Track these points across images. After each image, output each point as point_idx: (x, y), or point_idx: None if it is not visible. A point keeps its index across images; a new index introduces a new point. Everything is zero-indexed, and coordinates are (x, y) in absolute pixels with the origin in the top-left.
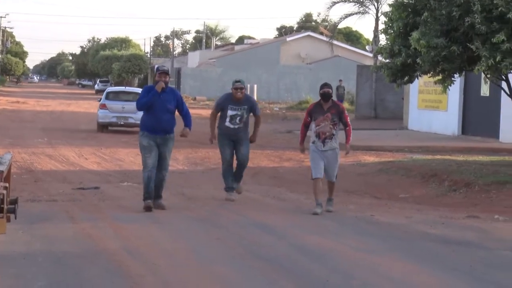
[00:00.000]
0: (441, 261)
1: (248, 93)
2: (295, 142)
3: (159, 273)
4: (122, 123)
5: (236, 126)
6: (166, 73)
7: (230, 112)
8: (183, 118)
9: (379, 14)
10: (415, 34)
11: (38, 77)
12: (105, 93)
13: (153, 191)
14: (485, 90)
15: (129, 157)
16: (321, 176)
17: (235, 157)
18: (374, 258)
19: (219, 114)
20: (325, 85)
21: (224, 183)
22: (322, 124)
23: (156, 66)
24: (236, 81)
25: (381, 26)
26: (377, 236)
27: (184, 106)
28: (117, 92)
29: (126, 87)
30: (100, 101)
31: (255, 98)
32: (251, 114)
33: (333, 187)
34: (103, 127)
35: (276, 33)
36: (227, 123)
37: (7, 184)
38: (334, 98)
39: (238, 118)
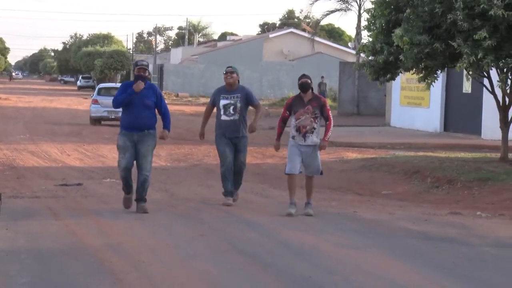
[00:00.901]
0: (423, 257)
1: None
2: None
3: (142, 269)
4: (113, 117)
5: (232, 118)
6: (145, 68)
7: (222, 102)
8: (162, 118)
9: (361, 11)
10: (398, 31)
11: (22, 74)
12: (97, 89)
13: (132, 186)
14: (467, 87)
15: (112, 153)
16: (296, 172)
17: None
18: (357, 254)
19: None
20: (304, 76)
21: (222, 187)
22: (303, 117)
23: (135, 61)
24: (228, 67)
25: (364, 23)
26: (359, 233)
27: (163, 103)
28: (108, 88)
29: (117, 83)
30: (92, 96)
31: None
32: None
33: (311, 187)
34: (96, 121)
35: (258, 29)
36: (222, 117)
37: None
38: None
39: (231, 108)
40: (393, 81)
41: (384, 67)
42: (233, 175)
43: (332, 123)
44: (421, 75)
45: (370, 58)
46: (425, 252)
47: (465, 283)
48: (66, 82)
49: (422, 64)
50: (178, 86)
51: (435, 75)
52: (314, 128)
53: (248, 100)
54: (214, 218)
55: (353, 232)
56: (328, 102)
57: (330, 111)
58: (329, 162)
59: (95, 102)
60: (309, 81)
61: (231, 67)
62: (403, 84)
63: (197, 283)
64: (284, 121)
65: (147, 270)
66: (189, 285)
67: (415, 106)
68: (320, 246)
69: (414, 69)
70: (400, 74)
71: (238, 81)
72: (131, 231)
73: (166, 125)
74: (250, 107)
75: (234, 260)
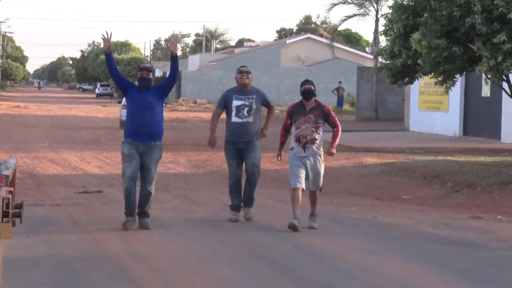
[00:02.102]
0: (444, 261)
1: None
2: None
3: (162, 276)
4: None
5: (245, 120)
6: (149, 69)
7: (235, 102)
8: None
9: (379, 16)
10: (416, 35)
11: (42, 82)
12: None
13: (135, 204)
14: (486, 90)
15: None
16: (301, 186)
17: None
18: (377, 259)
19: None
20: (306, 82)
21: (230, 200)
22: (303, 126)
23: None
24: (242, 66)
25: (381, 28)
26: (380, 237)
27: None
28: None
29: None
30: (121, 102)
31: None
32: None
33: (315, 200)
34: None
35: (276, 35)
36: (234, 118)
37: (12, 189)
38: (334, 99)
39: (246, 110)
40: (411, 86)
41: (402, 71)
42: (245, 183)
43: (340, 129)
44: (440, 79)
45: (388, 61)
46: (446, 256)
47: (482, 286)
48: (84, 90)
49: (441, 68)
50: (196, 92)
51: (454, 79)
52: (315, 139)
53: (264, 101)
54: (233, 224)
55: (373, 237)
56: (346, 107)
57: (336, 118)
58: (348, 167)
59: (124, 107)
60: (313, 87)
61: (245, 66)
62: (421, 88)
63: None
64: (286, 129)
65: (166, 276)
66: None
67: (434, 110)
68: (340, 251)
69: (433, 73)
70: (418, 78)
71: None
72: (151, 238)
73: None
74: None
75: (253, 266)
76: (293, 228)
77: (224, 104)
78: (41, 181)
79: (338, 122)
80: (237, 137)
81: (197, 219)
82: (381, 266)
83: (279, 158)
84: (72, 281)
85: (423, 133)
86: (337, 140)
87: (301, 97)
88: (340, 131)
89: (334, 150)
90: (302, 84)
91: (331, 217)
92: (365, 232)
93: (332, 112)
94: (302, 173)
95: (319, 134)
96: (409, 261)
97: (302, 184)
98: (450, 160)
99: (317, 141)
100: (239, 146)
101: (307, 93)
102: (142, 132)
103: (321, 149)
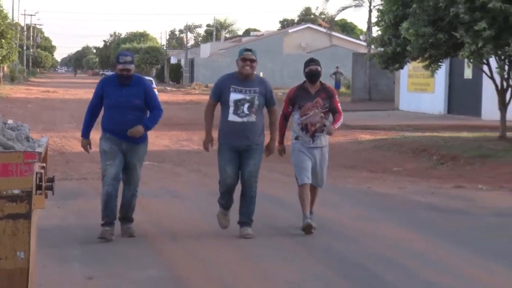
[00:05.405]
0: (432, 226)
1: None
2: None
3: (181, 241)
4: None
5: (245, 119)
6: (130, 62)
7: (233, 96)
8: (150, 113)
9: (371, 7)
10: (404, 24)
11: (67, 69)
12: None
13: (115, 212)
14: (468, 73)
15: (151, 138)
16: (309, 182)
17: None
18: (372, 226)
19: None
20: (312, 62)
21: (218, 203)
22: (311, 112)
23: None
24: (246, 49)
25: (374, 19)
26: (374, 206)
27: (155, 98)
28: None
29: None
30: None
31: None
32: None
33: (316, 197)
34: None
35: (279, 25)
36: (231, 116)
37: (44, 164)
38: (332, 83)
39: (246, 106)
40: (401, 70)
41: (393, 57)
42: (241, 196)
43: (341, 116)
44: (426, 63)
45: (379, 49)
46: (433, 222)
47: (467, 248)
48: None
49: (427, 53)
50: (207, 77)
51: (439, 63)
52: (325, 126)
53: (268, 97)
54: None
55: (368, 206)
56: (343, 89)
57: (339, 104)
58: (345, 143)
59: None
60: (320, 68)
61: (250, 51)
62: (410, 72)
63: (233, 255)
64: (286, 119)
65: (185, 242)
66: (224, 257)
67: (422, 91)
68: (339, 219)
69: (420, 58)
70: (407, 63)
71: None
72: (169, 208)
73: (149, 121)
74: None
75: (259, 230)
76: (308, 229)
77: (219, 94)
78: (69, 158)
79: (340, 109)
80: (235, 140)
81: (210, 191)
82: (376, 232)
83: (282, 154)
84: (99, 246)
85: (412, 112)
86: (338, 124)
87: (303, 80)
88: (341, 118)
89: (334, 129)
90: (307, 64)
91: (330, 188)
92: (361, 201)
93: (336, 96)
94: (309, 166)
95: (328, 120)
96: (401, 226)
97: (310, 179)
98: (436, 136)
99: (326, 129)
100: (239, 145)
101: (314, 75)
102: (124, 132)
103: (328, 140)
